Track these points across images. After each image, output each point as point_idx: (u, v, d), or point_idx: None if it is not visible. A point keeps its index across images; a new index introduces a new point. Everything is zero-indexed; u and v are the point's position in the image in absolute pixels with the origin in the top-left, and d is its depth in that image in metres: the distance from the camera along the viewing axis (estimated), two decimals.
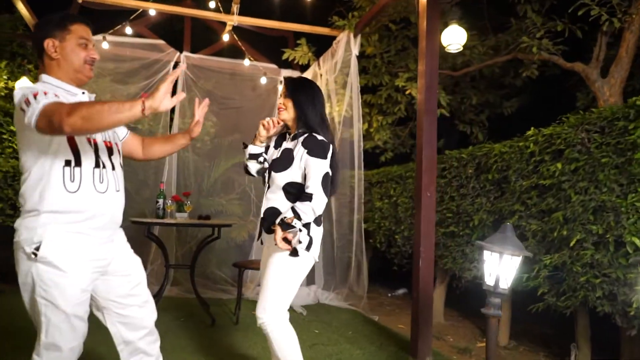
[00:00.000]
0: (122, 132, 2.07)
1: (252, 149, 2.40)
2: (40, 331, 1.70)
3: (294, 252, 2.18)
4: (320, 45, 5.73)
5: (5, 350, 2.97)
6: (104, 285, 1.85)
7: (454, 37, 3.94)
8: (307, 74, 5.90)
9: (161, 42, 5.68)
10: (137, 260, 1.97)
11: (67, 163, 1.71)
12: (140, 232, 3.97)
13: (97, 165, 1.78)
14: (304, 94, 2.34)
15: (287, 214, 2.15)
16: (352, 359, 3.32)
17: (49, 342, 1.69)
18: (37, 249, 1.65)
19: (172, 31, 7.66)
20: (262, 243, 2.40)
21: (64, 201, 1.69)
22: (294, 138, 2.33)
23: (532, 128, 3.39)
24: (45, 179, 1.69)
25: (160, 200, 4.14)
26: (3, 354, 2.92)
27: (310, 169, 2.21)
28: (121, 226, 1.95)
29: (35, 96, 1.60)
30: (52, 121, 1.53)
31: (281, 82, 5.85)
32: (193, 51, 6.07)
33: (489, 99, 6.60)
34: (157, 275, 5.08)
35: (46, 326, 1.68)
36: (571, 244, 2.91)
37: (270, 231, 2.25)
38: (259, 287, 3.34)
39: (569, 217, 2.96)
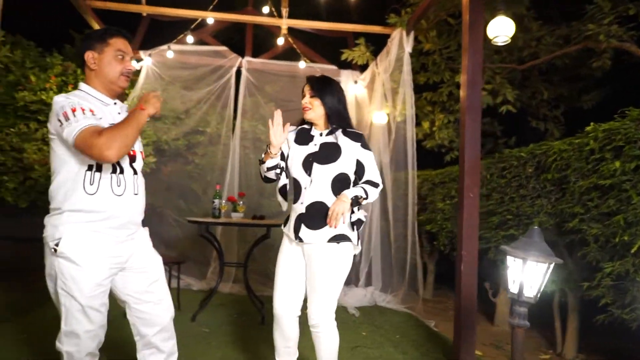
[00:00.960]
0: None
1: (269, 163, 2.35)
2: (61, 319, 1.86)
3: (354, 225, 2.29)
4: (380, 45, 5.64)
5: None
6: (121, 281, 1.97)
7: (501, 29, 3.69)
8: (366, 74, 5.86)
9: (224, 48, 5.91)
10: (157, 259, 2.07)
11: (90, 168, 1.86)
12: (203, 230, 4.17)
13: (114, 170, 1.91)
14: (329, 92, 2.38)
15: (356, 192, 2.23)
16: None
17: (68, 330, 1.84)
18: (57, 244, 1.80)
19: (240, 38, 7.93)
20: (301, 240, 2.29)
21: (83, 202, 1.84)
22: (330, 133, 2.36)
23: (591, 123, 3.11)
24: (71, 181, 1.85)
25: (216, 201, 4.31)
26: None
27: (369, 161, 2.37)
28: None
29: (74, 112, 1.76)
30: (91, 152, 1.74)
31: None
32: (255, 55, 6.25)
33: (563, 93, 6.11)
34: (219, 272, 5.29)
35: (65, 315, 1.84)
36: (633, 251, 2.64)
37: (316, 227, 2.25)
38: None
39: (631, 221, 2.69)
